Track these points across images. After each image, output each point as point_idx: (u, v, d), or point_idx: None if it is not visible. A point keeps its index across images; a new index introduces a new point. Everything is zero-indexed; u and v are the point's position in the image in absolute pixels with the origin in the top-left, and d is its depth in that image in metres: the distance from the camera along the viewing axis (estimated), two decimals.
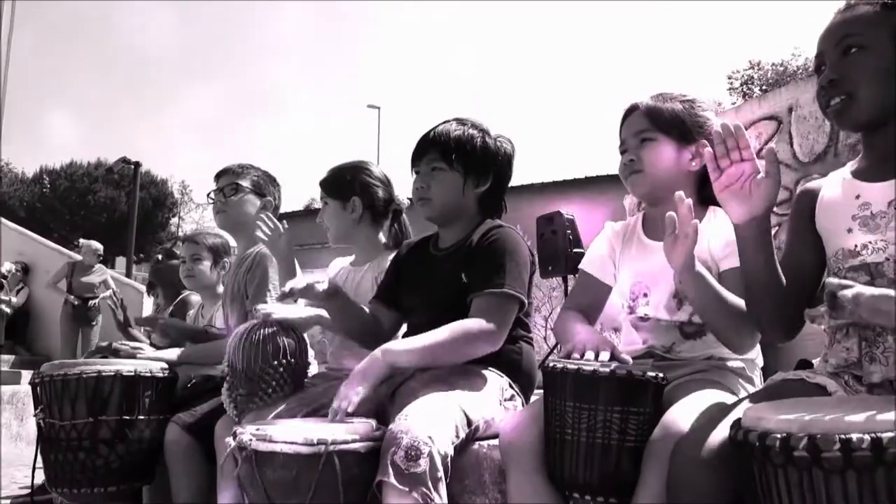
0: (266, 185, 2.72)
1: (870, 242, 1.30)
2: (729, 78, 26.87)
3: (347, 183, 2.40)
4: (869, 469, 0.93)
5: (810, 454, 0.95)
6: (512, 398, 1.86)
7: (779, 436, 0.99)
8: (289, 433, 1.59)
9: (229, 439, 1.62)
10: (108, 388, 2.24)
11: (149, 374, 2.32)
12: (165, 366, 2.41)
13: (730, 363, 1.61)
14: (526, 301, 1.84)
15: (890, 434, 0.92)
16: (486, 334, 1.76)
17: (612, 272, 1.79)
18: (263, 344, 1.98)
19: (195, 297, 3.24)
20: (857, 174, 1.38)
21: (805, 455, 0.96)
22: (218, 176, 2.73)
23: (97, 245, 8.58)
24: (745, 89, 25.71)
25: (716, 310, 1.45)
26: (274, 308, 2.06)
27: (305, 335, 2.19)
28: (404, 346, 1.76)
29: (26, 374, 7.40)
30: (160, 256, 3.88)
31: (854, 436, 0.93)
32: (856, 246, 1.33)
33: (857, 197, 1.33)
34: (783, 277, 1.35)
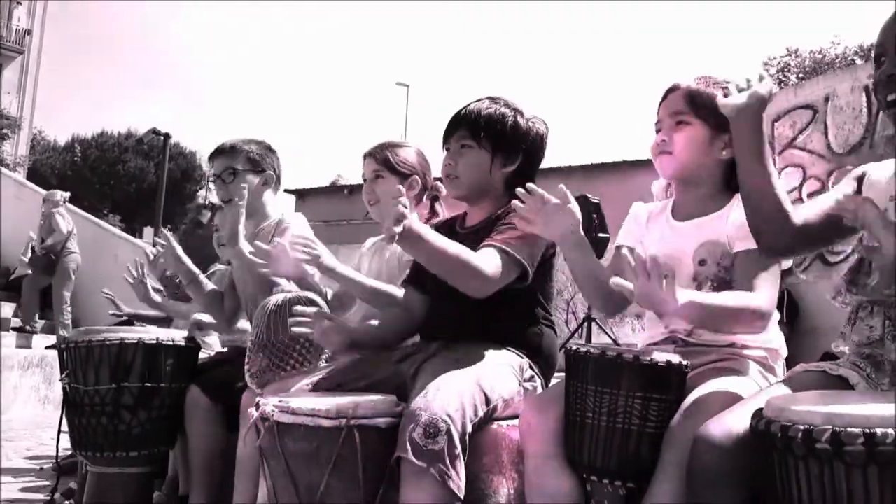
0: (263, 159, 2.62)
1: None
2: (765, 64, 26.33)
3: (411, 160, 2.43)
4: (892, 464, 0.92)
5: (833, 447, 0.95)
6: (531, 379, 1.86)
7: (801, 427, 0.99)
8: (311, 406, 1.61)
9: (252, 410, 1.65)
10: (130, 355, 2.28)
11: (171, 343, 2.35)
12: (188, 334, 2.44)
13: (752, 352, 1.60)
14: (529, 270, 1.79)
15: None
16: (480, 275, 1.70)
17: (643, 242, 1.77)
18: (290, 315, 2.01)
19: (224, 268, 3.26)
20: None
21: (827, 448, 0.95)
22: (211, 157, 2.67)
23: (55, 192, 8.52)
24: (780, 76, 25.19)
25: (719, 320, 1.46)
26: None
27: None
28: (432, 236, 1.68)
29: (38, 340, 7.57)
30: (188, 225, 3.79)
31: (879, 430, 0.93)
32: None
33: None
34: None
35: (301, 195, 19.38)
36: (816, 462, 0.97)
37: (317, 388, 1.90)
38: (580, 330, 7.03)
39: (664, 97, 1.71)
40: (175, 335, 2.39)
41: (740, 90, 1.38)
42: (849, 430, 0.94)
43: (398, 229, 1.57)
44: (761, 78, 17.39)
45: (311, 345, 2.03)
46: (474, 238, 1.97)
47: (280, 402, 1.63)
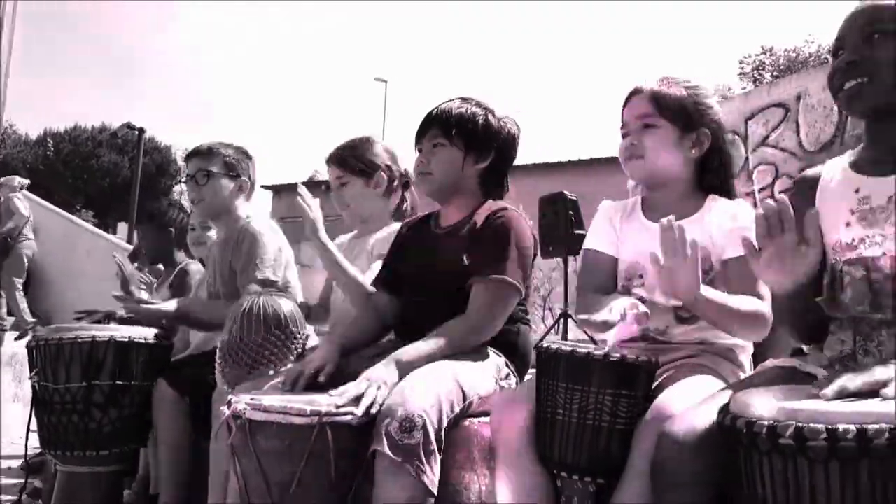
0: (239, 164, 2.62)
1: (867, 237, 1.30)
2: (740, 63, 26.63)
3: (369, 158, 2.42)
4: (853, 460, 0.93)
5: (796, 442, 0.96)
6: (507, 377, 1.88)
7: (766, 423, 1.00)
8: (283, 403, 1.60)
9: (224, 408, 1.64)
10: (102, 353, 2.25)
11: (143, 341, 2.33)
12: (160, 332, 2.42)
13: (721, 349, 1.62)
14: (523, 290, 1.85)
15: (876, 426, 0.93)
16: (486, 326, 1.81)
17: (616, 244, 1.78)
18: (263, 313, 2.01)
19: (195, 266, 3.23)
20: (858, 167, 1.37)
21: (791, 443, 0.96)
22: (187, 158, 2.66)
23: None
24: (756, 74, 25.47)
25: (728, 320, 1.48)
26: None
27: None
28: (415, 353, 1.73)
29: (8, 337, 7.43)
30: (147, 217, 3.57)
31: (840, 426, 0.94)
32: (853, 240, 1.32)
33: (857, 191, 1.33)
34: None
35: (277, 191, 19.25)
36: (780, 457, 0.98)
37: (289, 385, 1.90)
38: (556, 326, 7.07)
39: (627, 101, 1.72)
40: (147, 333, 2.37)
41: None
42: (812, 425, 0.95)
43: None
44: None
45: (283, 344, 2.02)
46: (451, 238, 1.98)
47: (252, 399, 1.62)
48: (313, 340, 2.36)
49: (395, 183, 2.48)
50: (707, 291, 1.40)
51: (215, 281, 2.60)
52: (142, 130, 12.09)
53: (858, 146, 1.42)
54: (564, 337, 6.76)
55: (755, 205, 5.04)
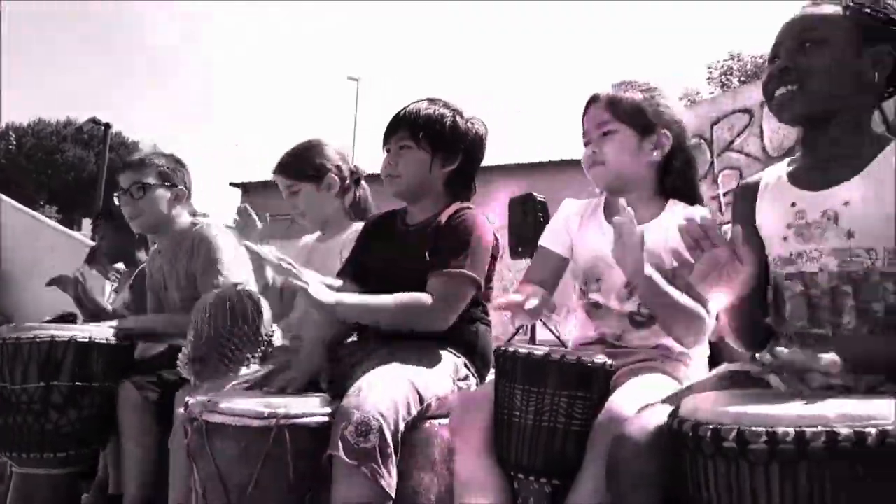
0: (174, 173, 2.59)
1: (805, 251, 1.33)
2: (708, 68, 26.95)
3: (317, 162, 2.42)
4: (792, 462, 0.96)
5: (738, 446, 0.98)
6: (466, 378, 1.89)
7: (711, 426, 1.02)
8: (240, 405, 1.59)
9: (180, 410, 1.63)
10: (61, 353, 2.22)
11: (104, 341, 2.30)
12: (120, 332, 2.39)
13: (677, 352, 1.64)
14: (483, 285, 1.86)
15: (814, 429, 0.95)
16: (433, 312, 1.79)
17: (569, 245, 1.80)
18: (231, 308, 2.02)
19: None
20: (794, 177, 1.40)
21: (733, 446, 0.99)
22: (119, 171, 2.62)
23: None
24: (723, 80, 25.82)
25: (667, 310, 1.48)
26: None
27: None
28: (355, 300, 1.76)
29: None
30: (107, 215, 3.48)
31: (780, 429, 0.96)
32: (791, 254, 1.36)
33: (793, 205, 1.36)
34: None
35: (246, 189, 19.09)
36: (723, 460, 1.00)
37: (252, 384, 1.90)
38: (524, 327, 7.10)
39: (585, 109, 1.74)
40: (108, 333, 2.34)
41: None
42: (753, 428, 0.98)
43: None
44: None
45: (248, 339, 2.02)
46: (416, 236, 1.99)
47: (209, 401, 1.61)
48: (277, 340, 2.36)
49: (347, 182, 2.48)
50: (653, 274, 1.42)
51: (167, 291, 2.58)
52: (108, 125, 11.91)
53: (797, 154, 1.45)
54: (533, 338, 6.80)
55: (720, 208, 5.10)
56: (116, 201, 2.59)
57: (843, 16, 1.31)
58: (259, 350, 2.05)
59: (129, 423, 2.25)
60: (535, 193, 6.47)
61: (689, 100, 20.40)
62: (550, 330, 7.21)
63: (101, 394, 2.27)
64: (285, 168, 2.44)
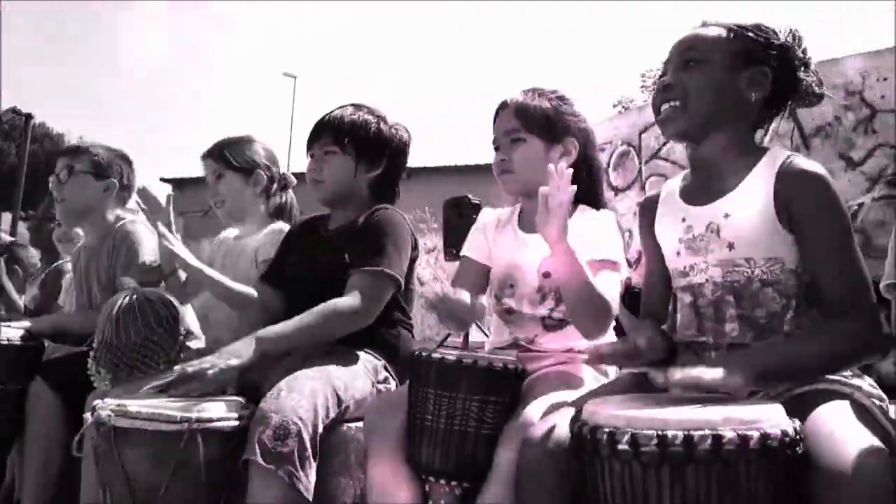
0: (110, 165, 2.53)
1: (694, 264, 1.39)
2: (642, 76, 27.60)
3: (252, 155, 2.39)
4: (681, 465, 1.00)
5: (631, 448, 1.02)
6: (386, 381, 1.90)
7: (607, 430, 1.06)
8: (151, 409, 1.56)
9: (87, 415, 1.58)
10: None
11: (6, 342, 2.21)
12: (27, 333, 2.30)
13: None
14: (402, 282, 1.87)
15: (702, 432, 1.00)
16: (353, 311, 1.79)
17: (487, 253, 1.82)
18: (141, 313, 1.96)
19: (70, 267, 3.09)
20: (684, 194, 1.46)
21: (627, 449, 1.02)
22: (57, 157, 2.58)
23: None
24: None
25: (578, 291, 1.48)
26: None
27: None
28: (276, 331, 1.76)
29: None
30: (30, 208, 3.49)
31: (670, 433, 1.00)
32: (684, 267, 1.42)
33: (683, 220, 1.42)
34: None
35: (179, 185, 18.61)
36: (618, 463, 1.04)
37: (165, 389, 1.86)
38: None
39: (496, 116, 1.76)
40: (13, 334, 2.25)
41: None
42: (645, 432, 1.02)
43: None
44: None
45: (163, 344, 1.98)
46: (335, 241, 1.99)
47: (118, 405, 1.57)
48: (197, 343, 2.32)
49: (274, 185, 2.46)
50: (572, 246, 1.43)
51: (89, 288, 2.51)
52: (29, 116, 11.40)
53: (685, 171, 1.51)
54: (466, 340, 6.86)
55: None
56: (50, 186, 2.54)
57: (726, 37, 1.38)
58: (173, 354, 2.01)
59: (36, 424, 2.17)
60: (469, 196, 6.52)
61: (623, 107, 20.84)
62: (483, 332, 7.28)
63: (6, 396, 2.18)
64: (215, 152, 2.40)
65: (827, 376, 1.25)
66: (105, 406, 1.57)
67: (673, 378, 1.12)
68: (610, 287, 1.53)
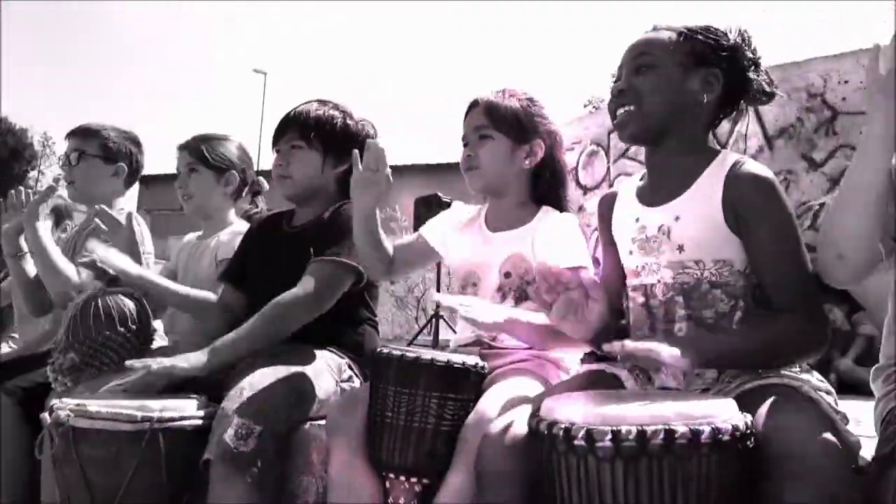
0: (119, 150, 2.52)
1: (647, 264, 1.42)
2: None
3: (228, 155, 2.37)
4: (634, 459, 1.02)
5: (587, 443, 1.03)
6: (350, 379, 1.89)
7: (563, 426, 1.07)
8: (112, 409, 1.55)
9: (45, 415, 1.56)
10: None
11: None
12: None
13: (548, 353, 1.69)
14: (363, 272, 1.86)
15: (654, 427, 1.02)
16: (302, 299, 1.77)
17: (440, 241, 1.84)
18: (105, 311, 1.94)
19: None
20: (639, 195, 1.49)
21: (583, 444, 1.04)
22: (67, 136, 2.54)
23: None
24: None
25: (539, 338, 1.53)
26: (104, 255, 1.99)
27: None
28: (229, 340, 1.73)
29: None
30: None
31: (623, 428, 1.02)
32: (637, 267, 1.44)
33: (637, 220, 1.44)
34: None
35: (145, 182, 18.37)
36: (574, 457, 1.05)
37: (129, 389, 1.84)
38: (428, 326, 7.16)
39: (467, 113, 1.78)
40: None
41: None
42: (600, 427, 1.03)
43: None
44: None
45: (122, 346, 1.95)
46: (300, 238, 1.98)
47: (77, 405, 1.56)
48: (162, 341, 2.30)
49: (246, 188, 2.44)
50: (504, 314, 1.44)
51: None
52: None
53: (644, 171, 1.53)
54: (436, 337, 6.87)
55: None
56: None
57: (676, 41, 1.40)
58: (136, 354, 1.99)
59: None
60: (440, 194, 6.54)
61: (594, 106, 21.01)
62: (453, 330, 7.29)
63: None
64: (192, 146, 2.36)
65: (778, 371, 1.28)
66: (64, 406, 1.55)
67: (627, 347, 1.13)
68: None
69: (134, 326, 1.98)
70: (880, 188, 1.13)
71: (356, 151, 1.66)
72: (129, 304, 2.00)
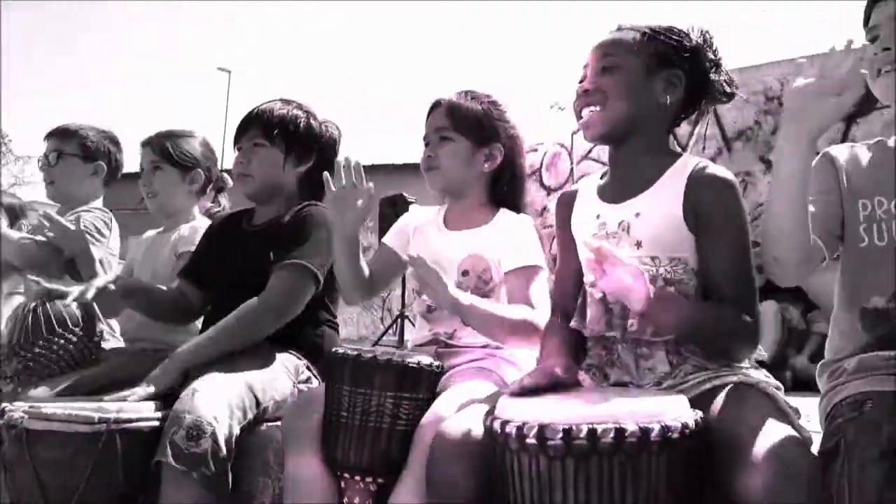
0: (98, 148, 2.50)
1: None
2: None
3: (193, 152, 2.35)
4: (585, 456, 1.04)
5: (538, 442, 1.05)
6: (308, 380, 1.89)
7: (516, 424, 1.09)
8: (67, 410, 1.54)
9: None
10: None
11: None
12: None
13: (505, 353, 1.70)
14: (322, 278, 1.85)
15: (605, 425, 1.04)
16: (270, 310, 1.79)
17: (404, 247, 1.83)
18: (46, 316, 1.92)
19: None
20: (601, 191, 1.50)
21: (534, 442, 1.05)
22: (46, 137, 2.52)
23: None
24: None
25: (496, 329, 1.55)
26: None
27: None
28: (193, 346, 1.75)
29: None
30: None
31: (574, 426, 1.04)
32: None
33: (598, 217, 1.46)
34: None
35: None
36: (526, 456, 1.07)
37: (78, 390, 1.82)
38: (394, 326, 7.14)
39: (429, 113, 1.78)
40: None
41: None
42: (551, 425, 1.05)
43: None
44: None
45: (64, 349, 1.94)
46: (259, 237, 1.97)
47: (31, 407, 1.54)
48: (115, 342, 2.27)
49: (210, 186, 2.42)
50: (468, 299, 1.49)
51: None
52: None
53: (605, 169, 1.56)
54: (401, 337, 6.86)
55: None
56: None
57: (640, 41, 1.43)
58: (82, 356, 1.98)
59: None
60: (405, 194, 6.52)
61: (559, 108, 21.12)
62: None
63: None
64: (156, 143, 2.33)
65: (732, 369, 1.31)
66: (16, 408, 1.53)
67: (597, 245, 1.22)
68: (538, 291, 1.59)
69: (77, 328, 1.98)
70: (798, 196, 1.22)
71: (326, 173, 1.64)
72: (70, 309, 2.00)
